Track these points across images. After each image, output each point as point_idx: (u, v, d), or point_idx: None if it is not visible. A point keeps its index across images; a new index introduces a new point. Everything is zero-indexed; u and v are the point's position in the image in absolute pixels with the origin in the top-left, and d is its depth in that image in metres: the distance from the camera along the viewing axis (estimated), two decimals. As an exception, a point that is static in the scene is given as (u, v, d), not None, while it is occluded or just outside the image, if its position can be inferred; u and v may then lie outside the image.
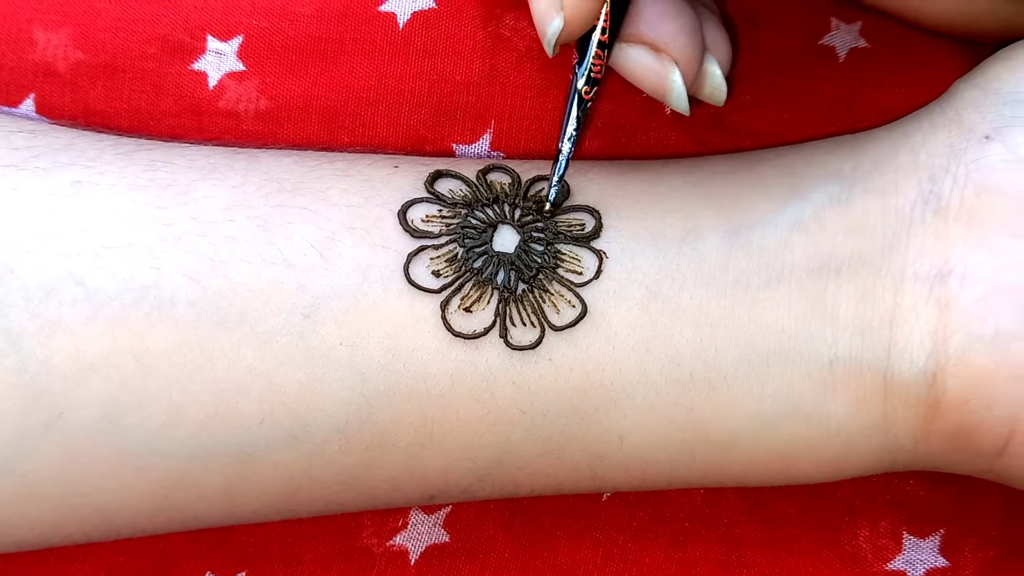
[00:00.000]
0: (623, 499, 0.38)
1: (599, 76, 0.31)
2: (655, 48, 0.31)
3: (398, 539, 0.38)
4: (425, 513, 0.38)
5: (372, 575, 0.37)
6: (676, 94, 0.31)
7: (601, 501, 0.38)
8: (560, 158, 0.32)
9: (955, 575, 0.37)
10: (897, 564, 0.37)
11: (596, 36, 0.31)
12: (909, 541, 0.37)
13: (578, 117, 0.32)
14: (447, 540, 0.38)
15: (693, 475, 0.33)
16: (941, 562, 0.37)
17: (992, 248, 0.31)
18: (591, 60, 0.31)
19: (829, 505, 0.38)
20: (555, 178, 0.33)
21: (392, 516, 0.38)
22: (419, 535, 0.38)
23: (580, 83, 0.31)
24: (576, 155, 0.34)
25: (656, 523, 0.38)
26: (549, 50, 0.31)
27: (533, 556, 0.38)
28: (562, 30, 0.30)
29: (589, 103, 0.32)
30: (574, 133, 0.32)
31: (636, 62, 0.31)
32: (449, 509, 0.38)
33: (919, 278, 0.31)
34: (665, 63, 0.31)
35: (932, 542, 0.37)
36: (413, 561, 0.38)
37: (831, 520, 0.37)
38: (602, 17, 0.31)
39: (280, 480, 0.32)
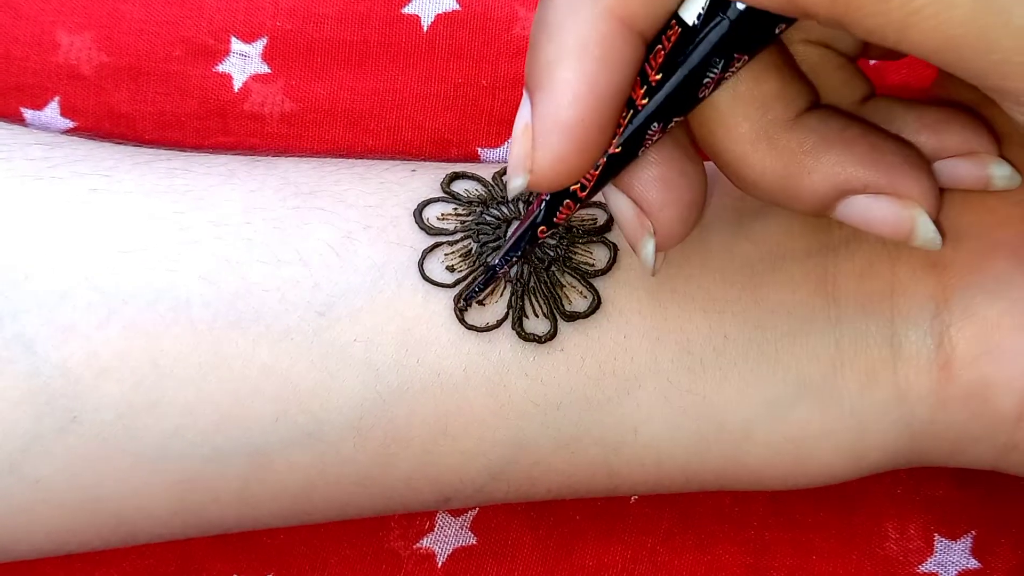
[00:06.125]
0: (651, 502, 0.38)
1: (561, 222, 0.29)
2: (639, 207, 0.29)
3: (425, 542, 0.37)
4: (452, 516, 0.38)
5: (399, 578, 0.37)
6: (644, 257, 0.29)
7: (629, 503, 0.38)
8: (492, 274, 0.31)
9: (987, 577, 0.37)
10: (929, 566, 0.37)
11: (571, 190, 0.28)
12: (940, 543, 0.37)
13: (524, 247, 0.30)
14: (474, 542, 0.37)
15: (709, 471, 0.33)
16: (973, 564, 0.37)
17: (981, 208, 0.32)
18: (559, 209, 0.29)
19: (857, 508, 0.37)
20: (473, 289, 0.31)
21: (419, 519, 0.37)
22: (446, 538, 0.37)
23: (540, 219, 0.29)
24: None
25: (684, 526, 0.37)
26: (508, 195, 0.29)
27: (560, 558, 0.37)
28: (524, 189, 0.27)
29: (541, 240, 0.30)
30: (513, 257, 0.31)
31: (618, 210, 0.29)
32: (476, 512, 0.38)
33: (913, 247, 0.31)
34: (644, 226, 0.29)
35: (964, 544, 0.37)
36: (440, 564, 0.37)
37: (860, 523, 0.37)
38: (585, 177, 0.27)
39: (295, 481, 0.32)
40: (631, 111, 0.26)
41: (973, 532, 0.37)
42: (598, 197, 0.29)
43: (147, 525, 0.32)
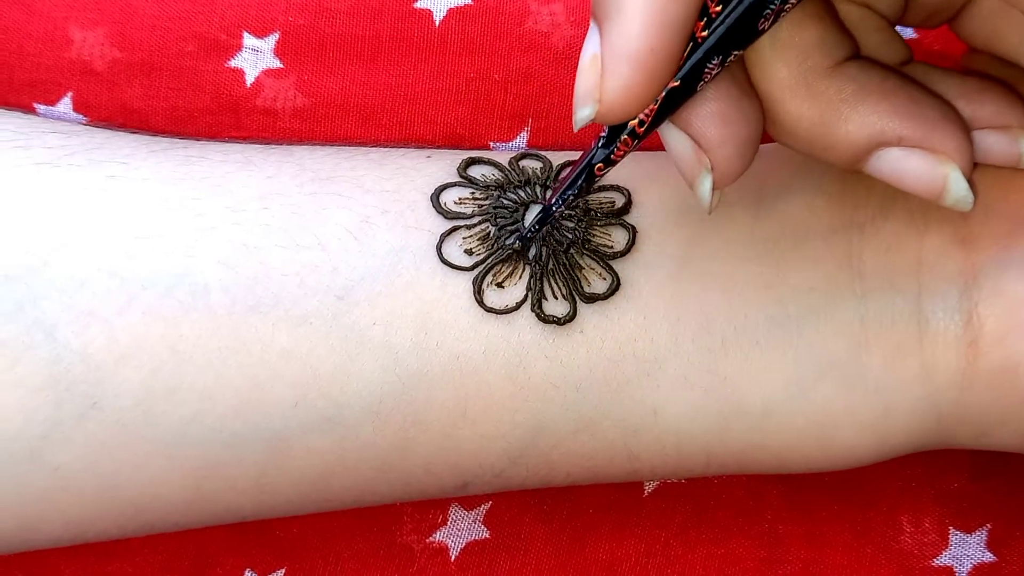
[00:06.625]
0: (665, 495, 0.37)
1: (618, 159, 0.29)
2: (697, 143, 0.29)
3: (438, 535, 0.37)
4: (465, 509, 0.37)
5: (412, 571, 0.37)
6: (701, 194, 0.29)
7: (642, 497, 0.37)
8: (547, 213, 0.31)
9: (1003, 570, 0.36)
10: (943, 560, 0.37)
11: (629, 126, 0.28)
12: (955, 536, 0.37)
13: (580, 186, 0.30)
14: (487, 536, 0.37)
15: (730, 453, 0.33)
16: (988, 557, 0.37)
17: (1010, 186, 0.31)
18: (616, 145, 0.29)
19: (872, 501, 0.37)
20: (530, 228, 0.32)
21: (432, 512, 0.37)
22: (459, 531, 0.37)
23: (597, 157, 0.29)
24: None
25: (698, 519, 0.37)
26: (575, 126, 0.29)
27: (574, 552, 0.37)
28: (591, 120, 0.27)
29: (598, 178, 0.30)
30: (571, 196, 0.30)
31: (676, 147, 0.29)
32: (489, 505, 0.37)
33: (941, 221, 0.31)
34: (701, 162, 0.29)
35: (979, 537, 0.37)
36: (453, 557, 0.37)
37: (874, 516, 0.37)
38: (643, 113, 0.27)
39: (314, 466, 0.32)
40: (691, 44, 0.26)
41: (988, 525, 0.37)
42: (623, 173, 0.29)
43: (165, 513, 0.32)
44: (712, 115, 0.28)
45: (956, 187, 0.28)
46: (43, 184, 0.31)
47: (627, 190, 0.33)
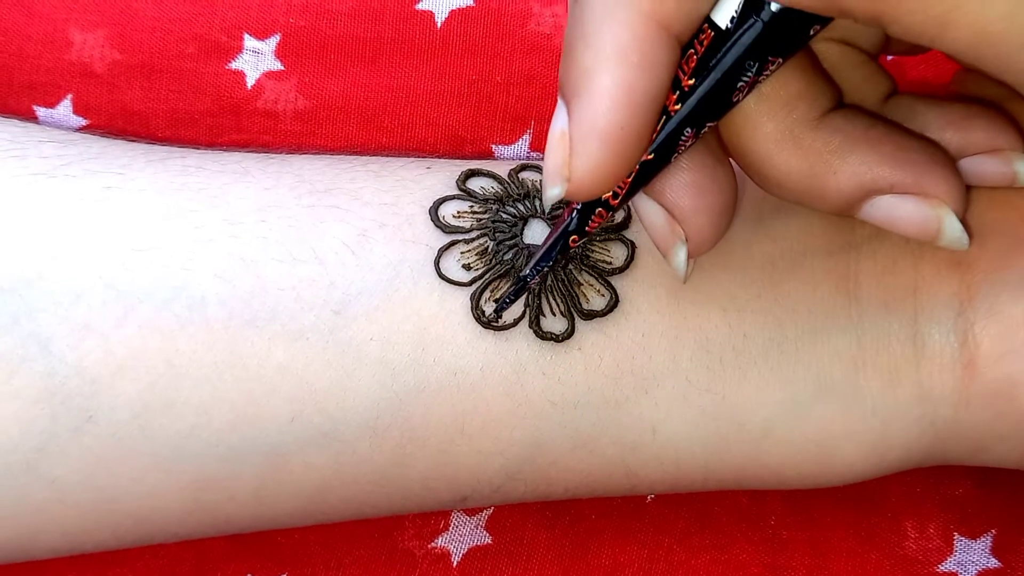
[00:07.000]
0: (668, 501, 0.37)
1: (593, 230, 0.29)
2: (671, 214, 0.29)
3: (440, 541, 0.37)
4: (467, 515, 0.37)
5: (414, 577, 0.37)
6: (676, 264, 0.29)
7: (646, 502, 0.37)
8: (521, 284, 0.31)
9: (1008, 576, 0.36)
10: (948, 566, 0.36)
11: (603, 198, 0.28)
12: (960, 542, 0.36)
13: (555, 257, 0.30)
14: (489, 542, 0.37)
15: (729, 470, 0.33)
16: (993, 563, 0.36)
17: (1006, 206, 0.31)
18: (591, 217, 0.28)
19: (876, 507, 0.37)
20: (503, 300, 0.31)
21: (434, 518, 0.37)
22: (461, 537, 0.37)
23: (571, 227, 0.29)
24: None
25: (701, 525, 0.37)
26: (545, 205, 0.29)
27: (576, 558, 0.37)
28: (561, 198, 0.26)
29: (572, 250, 0.30)
30: (545, 268, 0.30)
31: (649, 217, 0.29)
32: (491, 511, 0.37)
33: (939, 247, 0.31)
34: (675, 233, 0.29)
35: (984, 543, 0.36)
36: (455, 563, 0.37)
37: (878, 522, 0.37)
38: (615, 188, 0.27)
39: (311, 480, 0.32)
40: (664, 117, 0.26)
41: (993, 531, 0.37)
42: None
43: (163, 525, 0.32)
44: (686, 185, 0.28)
45: (950, 229, 0.28)
46: (39, 195, 0.31)
47: (627, 205, 0.33)
